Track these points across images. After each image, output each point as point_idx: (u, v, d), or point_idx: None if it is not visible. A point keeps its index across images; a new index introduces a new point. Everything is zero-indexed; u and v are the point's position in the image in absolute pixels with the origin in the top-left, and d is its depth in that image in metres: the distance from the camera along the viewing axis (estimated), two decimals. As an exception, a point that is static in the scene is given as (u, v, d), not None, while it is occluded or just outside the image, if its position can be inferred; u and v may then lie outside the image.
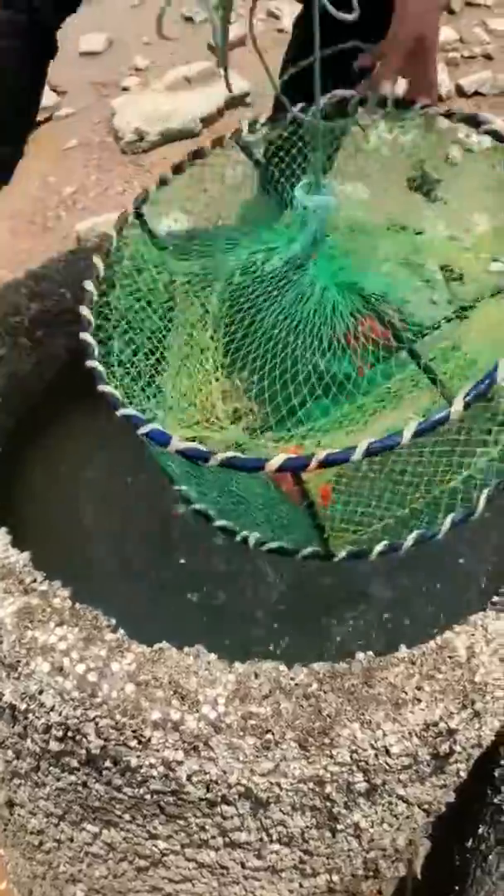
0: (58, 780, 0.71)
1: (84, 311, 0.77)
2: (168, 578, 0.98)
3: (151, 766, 0.64)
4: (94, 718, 0.64)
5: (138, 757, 0.64)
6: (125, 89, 2.60)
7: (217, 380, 0.84)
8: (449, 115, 0.84)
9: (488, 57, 2.50)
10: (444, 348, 0.80)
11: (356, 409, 0.78)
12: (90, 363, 0.71)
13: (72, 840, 0.78)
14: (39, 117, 2.53)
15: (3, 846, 0.98)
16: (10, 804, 0.82)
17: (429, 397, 0.77)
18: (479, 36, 2.57)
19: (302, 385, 0.78)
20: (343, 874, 0.83)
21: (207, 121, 2.41)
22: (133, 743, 0.63)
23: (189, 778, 0.64)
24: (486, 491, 0.71)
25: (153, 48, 2.74)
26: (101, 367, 0.71)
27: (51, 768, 0.70)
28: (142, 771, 0.64)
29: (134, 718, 0.63)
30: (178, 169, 0.89)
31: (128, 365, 0.79)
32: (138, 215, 0.88)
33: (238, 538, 0.77)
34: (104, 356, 0.75)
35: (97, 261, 0.82)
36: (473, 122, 0.82)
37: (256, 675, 0.67)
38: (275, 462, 0.59)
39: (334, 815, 0.70)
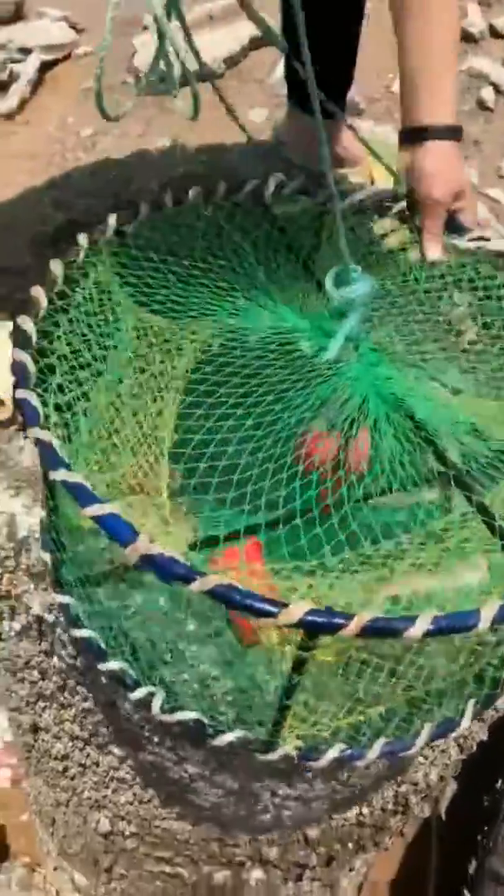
0: (84, 700, 0.69)
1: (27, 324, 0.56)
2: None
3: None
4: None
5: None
6: (146, 28, 2.51)
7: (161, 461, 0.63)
8: None
9: (524, -4, 2.40)
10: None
11: (374, 554, 0.56)
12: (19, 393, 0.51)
13: (97, 765, 0.76)
14: (58, 55, 2.47)
15: (26, 777, 0.97)
16: (35, 729, 0.80)
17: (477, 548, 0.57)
18: (514, -26, 2.47)
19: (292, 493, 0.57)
20: (373, 807, 0.81)
21: (231, 61, 2.33)
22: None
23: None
24: (472, 700, 0.58)
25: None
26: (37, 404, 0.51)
27: (78, 687, 0.68)
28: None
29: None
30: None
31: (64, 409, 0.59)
32: (119, 234, 0.67)
33: (138, 694, 0.56)
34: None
35: (54, 267, 0.61)
36: None
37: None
38: (295, 612, 0.41)
39: (371, 742, 0.68)
